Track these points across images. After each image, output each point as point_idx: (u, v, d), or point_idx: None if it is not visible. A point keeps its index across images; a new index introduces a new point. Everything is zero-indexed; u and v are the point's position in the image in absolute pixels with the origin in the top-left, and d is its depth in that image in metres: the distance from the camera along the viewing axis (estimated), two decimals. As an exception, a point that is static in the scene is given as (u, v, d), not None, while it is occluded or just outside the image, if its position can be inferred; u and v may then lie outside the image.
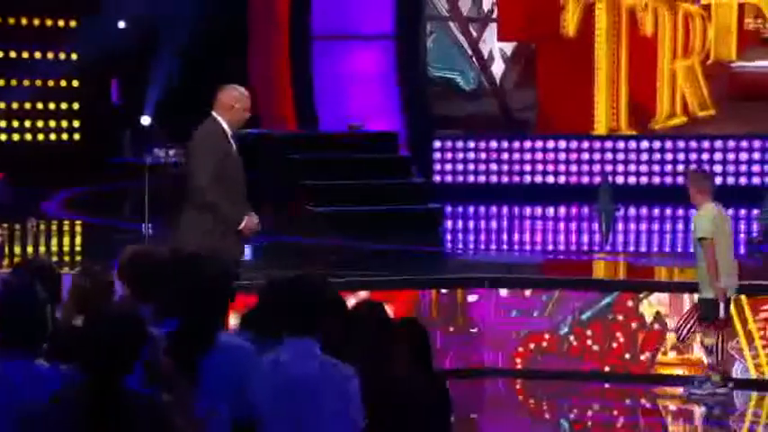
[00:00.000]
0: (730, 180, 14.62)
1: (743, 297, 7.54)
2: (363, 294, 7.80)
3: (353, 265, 9.13)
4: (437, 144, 15.47)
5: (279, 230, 10.71)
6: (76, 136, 15.51)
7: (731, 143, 14.63)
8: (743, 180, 14.56)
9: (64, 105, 15.45)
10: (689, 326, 7.34)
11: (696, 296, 7.40)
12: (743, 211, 12.38)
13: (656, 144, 14.85)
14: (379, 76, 14.65)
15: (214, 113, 6.63)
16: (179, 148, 11.20)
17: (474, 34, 15.57)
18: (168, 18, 13.88)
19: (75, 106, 15.48)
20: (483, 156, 15.39)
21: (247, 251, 8.93)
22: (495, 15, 15.35)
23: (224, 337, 4.12)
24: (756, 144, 14.58)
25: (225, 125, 6.58)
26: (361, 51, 14.63)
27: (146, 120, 13.86)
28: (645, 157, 14.87)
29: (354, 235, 10.90)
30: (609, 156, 14.94)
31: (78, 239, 11.73)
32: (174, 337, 4.04)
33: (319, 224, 11.43)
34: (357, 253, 10.19)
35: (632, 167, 14.75)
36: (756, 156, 14.55)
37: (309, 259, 9.47)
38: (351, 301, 7.64)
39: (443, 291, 8.04)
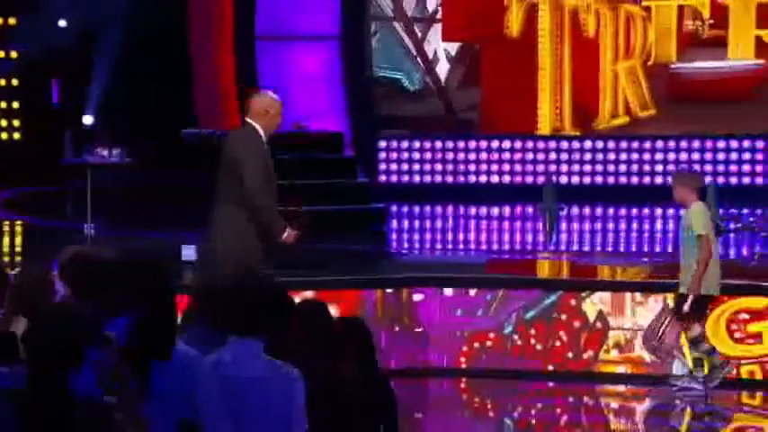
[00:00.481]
0: (671, 180, 14.77)
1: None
2: (309, 294, 7.79)
3: (298, 266, 9.12)
4: (382, 144, 15.49)
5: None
6: (16, 135, 15.31)
7: (671, 143, 14.81)
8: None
9: (3, 104, 15.25)
10: (664, 327, 7.40)
11: (662, 294, 7.44)
12: (682, 211, 12.50)
13: (599, 144, 14.99)
14: (324, 77, 14.64)
15: (248, 119, 6.73)
16: (121, 147, 11.11)
17: (419, 34, 15.62)
18: (109, 17, 13.77)
19: (15, 105, 15.29)
20: (428, 156, 15.43)
21: (192, 252, 8.89)
22: (439, 16, 15.40)
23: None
24: (695, 144, 14.79)
25: (260, 131, 6.66)
26: (306, 51, 14.62)
27: (87, 119, 13.74)
28: (588, 156, 15.00)
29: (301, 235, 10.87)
30: (553, 156, 15.05)
31: (18, 240, 11.59)
32: (130, 337, 4.02)
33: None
34: (302, 253, 10.18)
35: (576, 167, 14.87)
36: (696, 156, 14.74)
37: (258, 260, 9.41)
38: (296, 302, 7.62)
39: (388, 290, 8.06)
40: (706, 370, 7.41)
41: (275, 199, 6.74)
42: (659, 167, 14.90)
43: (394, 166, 15.52)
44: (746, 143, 14.60)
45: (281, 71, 14.29)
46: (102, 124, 13.47)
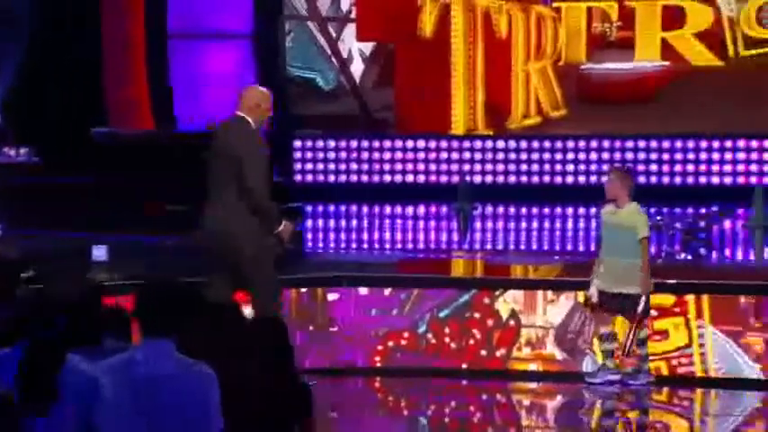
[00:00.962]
0: (581, 179, 15.02)
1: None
2: (222, 295, 7.75)
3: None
4: (297, 143, 15.47)
5: (137, 230, 10.55)
6: None
7: (582, 143, 15.03)
8: (593, 179, 14.98)
9: None
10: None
11: (590, 291, 7.53)
12: (593, 210, 12.74)
13: (512, 144, 15.15)
14: (237, 76, 14.57)
15: (240, 113, 6.73)
16: (29, 147, 10.94)
17: (333, 34, 15.62)
18: (15, 13, 13.52)
19: None
20: (343, 155, 15.45)
21: (102, 252, 8.79)
22: (353, 15, 15.42)
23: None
24: (605, 144, 15.03)
25: (252, 124, 6.70)
26: (219, 50, 14.53)
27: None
28: (501, 156, 15.16)
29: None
30: (466, 155, 15.18)
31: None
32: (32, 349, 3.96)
33: (178, 224, 11.31)
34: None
35: (489, 167, 15.02)
36: (605, 155, 14.99)
37: (168, 259, 9.36)
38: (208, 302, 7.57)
39: (303, 290, 8.06)
40: (631, 370, 7.56)
41: (269, 191, 6.74)
42: (570, 167, 15.13)
43: (309, 166, 15.52)
44: (654, 143, 14.90)
45: (193, 70, 14.20)
46: (9, 123, 13.24)
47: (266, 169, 6.74)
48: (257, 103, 6.77)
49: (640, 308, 7.39)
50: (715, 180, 14.90)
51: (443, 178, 15.31)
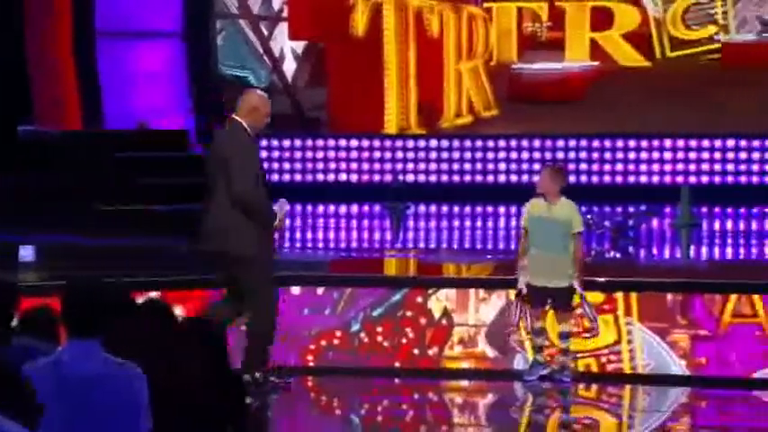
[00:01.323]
0: (513, 178, 15.15)
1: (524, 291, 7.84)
2: (155, 295, 7.71)
3: (144, 265, 9.01)
4: (229, 142, 15.38)
5: (64, 230, 10.44)
6: None
7: (513, 142, 15.17)
8: (525, 178, 15.12)
9: None
10: (519, 313, 7.61)
11: (519, 286, 7.61)
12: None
13: (444, 143, 15.23)
14: (168, 75, 14.47)
15: (236, 117, 6.83)
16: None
17: (265, 32, 15.58)
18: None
19: None
20: (276, 154, 15.41)
21: (29, 252, 8.68)
22: (285, 14, 15.40)
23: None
24: (536, 143, 15.18)
25: (247, 128, 6.81)
26: (148, 49, 14.41)
27: None
28: (434, 155, 15.23)
29: (143, 235, 10.75)
30: (399, 154, 15.23)
31: None
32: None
33: (107, 224, 11.21)
34: (147, 253, 10.06)
35: (422, 166, 15.08)
36: (536, 155, 15.14)
37: (97, 260, 9.28)
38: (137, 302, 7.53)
39: (235, 290, 8.02)
40: (557, 367, 7.66)
41: (265, 194, 6.83)
42: (502, 166, 15.24)
43: (241, 165, 15.44)
44: (583, 142, 15.08)
45: (122, 68, 14.06)
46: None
47: (255, 170, 6.81)
48: (254, 107, 6.91)
49: (574, 301, 7.51)
50: (643, 179, 15.11)
51: (376, 177, 15.33)
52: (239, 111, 6.90)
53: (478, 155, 15.27)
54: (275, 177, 15.32)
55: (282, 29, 15.41)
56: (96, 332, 3.87)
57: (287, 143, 15.45)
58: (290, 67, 15.66)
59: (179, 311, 7.72)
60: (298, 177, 15.48)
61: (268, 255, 6.91)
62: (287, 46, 15.53)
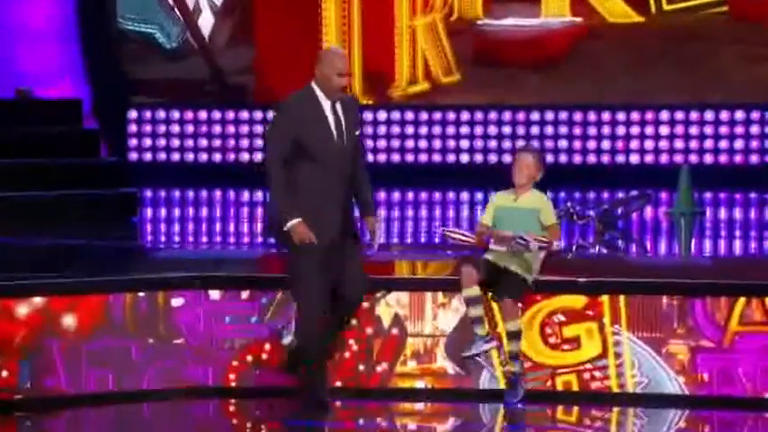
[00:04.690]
0: (478, 157, 15.20)
1: (489, 294, 7.89)
2: (38, 301, 7.67)
3: (25, 265, 8.95)
4: (132, 114, 15.32)
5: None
6: None
7: (478, 114, 15.20)
8: (492, 158, 15.18)
9: None
10: (458, 236, 7.76)
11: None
12: (492, 194, 12.90)
13: (396, 116, 15.25)
14: (55, 32, 14.35)
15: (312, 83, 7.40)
16: None
17: (176, -20, 15.51)
18: None
19: None
20: (190, 129, 15.36)
21: None
22: (201, -43, 15.34)
23: None
24: (506, 116, 15.21)
25: (318, 91, 7.36)
26: (32, 2, 14.28)
27: None
28: (383, 130, 15.25)
29: (26, 227, 10.68)
30: (341, 129, 15.21)
31: None
32: None
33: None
34: (30, 249, 10.00)
35: (369, 142, 15.11)
36: (506, 129, 15.18)
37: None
38: (24, 309, 7.49)
39: (141, 294, 8.00)
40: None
41: (328, 175, 7.31)
42: (465, 143, 15.28)
43: (148, 142, 15.38)
44: (563, 115, 15.15)
45: (3, 24, 13.94)
46: None
47: (286, 141, 7.28)
48: (330, 68, 7.35)
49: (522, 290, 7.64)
50: (634, 159, 15.25)
51: (313, 157, 15.29)
52: (315, 74, 7.44)
53: (436, 130, 15.31)
54: (189, 157, 15.27)
55: (198, -24, 15.35)
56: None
57: (203, 115, 15.39)
58: (207, 21, 15.59)
59: (70, 321, 7.68)
60: (217, 157, 15.43)
61: (310, 253, 7.34)
62: (203, -4, 15.47)
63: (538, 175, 7.82)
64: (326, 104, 7.37)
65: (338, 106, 7.40)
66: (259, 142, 15.24)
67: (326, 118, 7.36)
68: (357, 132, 7.46)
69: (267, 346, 8.05)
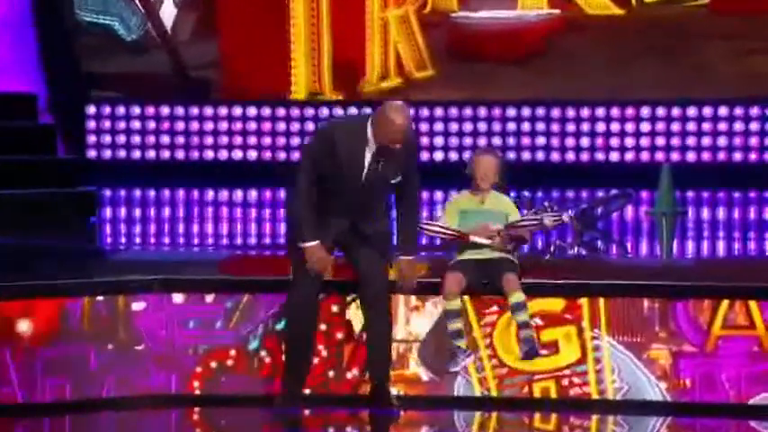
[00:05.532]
0: (453, 156, 15.22)
1: (466, 297, 7.90)
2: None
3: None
4: (91, 110, 15.27)
5: None
6: None
7: (453, 111, 15.22)
8: (467, 156, 15.19)
9: None
10: (437, 228, 7.79)
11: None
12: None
13: (367, 111, 15.24)
14: (9, 22, 14.29)
15: (368, 123, 7.52)
16: None
17: (136, -32, 15.49)
18: None
19: None
20: (152, 125, 15.33)
21: None
22: (163, -54, 15.33)
23: None
24: (482, 112, 15.24)
25: (370, 136, 7.49)
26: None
27: None
28: (375, 115, 15.24)
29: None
30: (310, 126, 15.22)
31: None
32: None
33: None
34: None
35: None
36: (482, 126, 15.20)
37: None
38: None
39: (99, 298, 7.98)
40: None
41: (344, 207, 7.58)
42: (439, 141, 15.30)
43: (107, 139, 15.34)
44: (540, 111, 15.20)
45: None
46: None
47: (318, 170, 7.53)
48: (386, 127, 7.44)
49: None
50: (614, 156, 15.30)
51: (281, 155, 15.32)
52: (374, 119, 7.52)
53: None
54: (151, 154, 15.24)
55: (160, -35, 15.33)
56: None
57: (165, 111, 15.36)
58: (169, 13, 15.56)
59: (24, 327, 7.65)
60: (180, 155, 15.41)
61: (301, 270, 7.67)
62: (166, -14, 15.45)
63: (498, 175, 7.89)
64: (370, 152, 7.51)
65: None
66: (224, 139, 15.21)
67: (364, 164, 7.52)
68: (395, 181, 7.64)
69: (233, 352, 8.04)
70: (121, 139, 15.31)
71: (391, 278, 7.76)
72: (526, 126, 15.23)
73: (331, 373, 8.03)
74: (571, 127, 15.25)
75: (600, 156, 15.24)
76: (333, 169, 7.49)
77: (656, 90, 15.13)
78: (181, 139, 15.31)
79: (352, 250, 7.71)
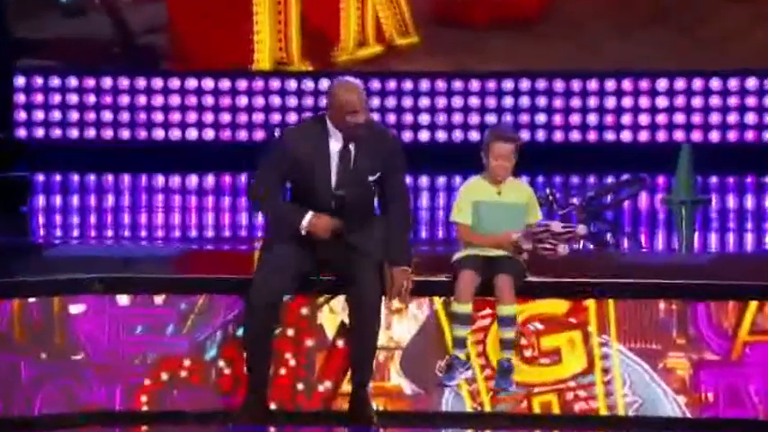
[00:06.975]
0: (440, 136, 15.25)
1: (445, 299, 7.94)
2: None
3: None
4: (20, 81, 15.25)
5: None
6: None
7: (440, 84, 15.23)
8: (457, 135, 15.23)
9: None
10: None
11: None
12: (457, 180, 12.96)
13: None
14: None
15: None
16: None
17: None
18: None
19: None
20: (91, 99, 15.31)
21: None
22: None
23: None
24: (474, 85, 15.26)
25: (329, 127, 7.69)
26: None
27: None
28: (326, 102, 15.25)
29: None
30: (276, 100, 15.26)
31: None
32: None
33: None
34: None
35: (309, 115, 15.12)
36: (474, 101, 15.23)
37: None
38: None
39: (31, 300, 7.99)
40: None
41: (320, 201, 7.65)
42: (424, 118, 15.33)
43: (39, 115, 15.33)
44: (541, 84, 15.22)
45: None
46: None
47: (277, 170, 7.71)
48: (339, 105, 7.67)
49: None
50: (626, 136, 15.35)
51: (242, 134, 15.32)
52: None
53: (391, 102, 15.35)
54: (91, 134, 15.22)
55: None
56: None
57: (107, 83, 15.34)
58: (112, -30, 15.55)
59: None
60: (125, 134, 15.40)
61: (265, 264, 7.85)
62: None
63: (513, 160, 7.88)
64: (336, 144, 7.62)
65: (352, 146, 7.63)
66: (177, 116, 15.20)
67: (329, 154, 7.62)
68: (372, 178, 7.70)
69: (187, 362, 8.06)
70: (56, 115, 15.30)
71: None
72: (524, 101, 15.27)
73: (300, 386, 8.06)
74: (576, 102, 15.30)
75: (609, 135, 15.29)
76: (300, 175, 7.63)
77: (674, 59, 15.17)
78: (125, 116, 15.31)
79: (340, 260, 7.76)
